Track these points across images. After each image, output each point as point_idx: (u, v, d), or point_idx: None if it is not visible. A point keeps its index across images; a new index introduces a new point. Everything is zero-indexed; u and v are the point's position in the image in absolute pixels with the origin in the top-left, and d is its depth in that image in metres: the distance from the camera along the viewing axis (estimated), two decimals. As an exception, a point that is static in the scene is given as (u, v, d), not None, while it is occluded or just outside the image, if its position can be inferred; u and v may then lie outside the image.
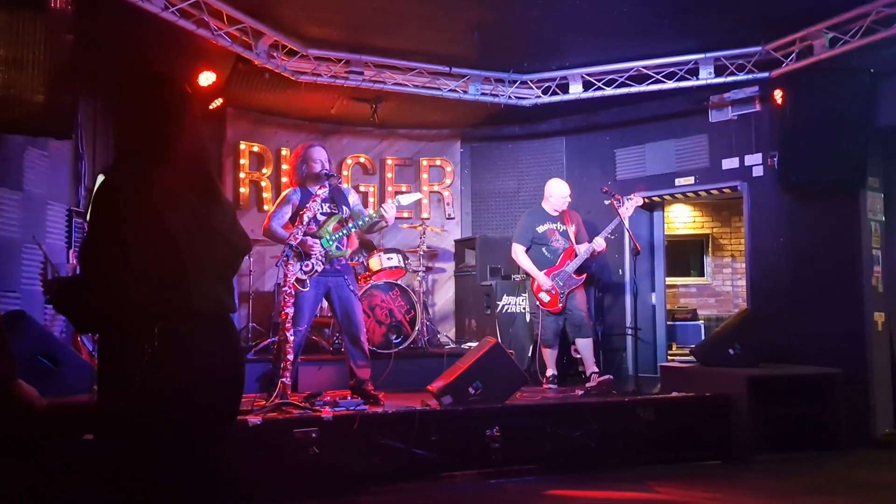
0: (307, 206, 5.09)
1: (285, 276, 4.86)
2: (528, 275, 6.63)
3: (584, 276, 6.51)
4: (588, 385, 6.16)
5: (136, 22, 5.15)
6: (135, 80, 2.15)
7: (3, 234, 4.72)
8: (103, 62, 5.38)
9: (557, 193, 6.59)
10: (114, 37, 5.38)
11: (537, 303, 6.46)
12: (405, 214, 8.28)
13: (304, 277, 5.00)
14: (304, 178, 5.35)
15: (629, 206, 6.48)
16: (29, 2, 4.23)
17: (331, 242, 5.19)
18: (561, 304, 6.38)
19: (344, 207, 5.38)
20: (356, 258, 7.39)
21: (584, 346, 6.45)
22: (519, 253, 6.59)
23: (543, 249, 6.52)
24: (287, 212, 5.28)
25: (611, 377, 6.20)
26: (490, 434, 4.77)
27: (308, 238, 5.08)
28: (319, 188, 5.15)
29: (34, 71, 4.17)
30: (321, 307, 5.62)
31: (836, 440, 5.52)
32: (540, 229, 6.57)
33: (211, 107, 6.81)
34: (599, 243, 6.41)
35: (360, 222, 5.31)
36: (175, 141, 2.08)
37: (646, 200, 6.85)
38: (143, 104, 2.10)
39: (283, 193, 5.50)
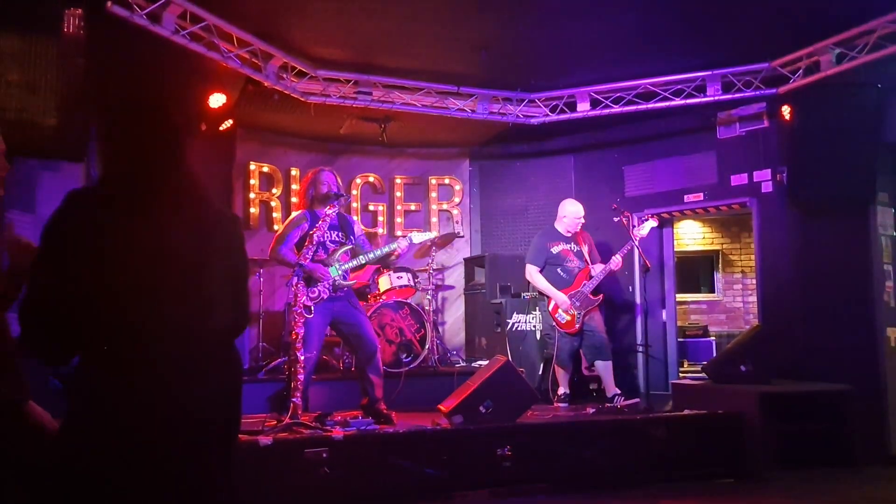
0: (317, 225, 5.12)
1: (295, 295, 4.88)
2: (542, 294, 6.62)
3: (601, 296, 6.50)
4: (621, 404, 6.10)
5: (147, 45, 5.21)
6: (124, 107, 2.08)
7: (16, 256, 4.75)
8: (115, 85, 5.44)
9: (572, 214, 6.58)
10: (125, 60, 5.43)
11: (553, 323, 6.45)
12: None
13: (309, 304, 5.01)
14: (312, 201, 5.38)
15: (645, 227, 6.49)
16: (42, 27, 4.30)
17: (339, 271, 5.21)
18: (578, 325, 6.36)
19: (351, 237, 5.41)
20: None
21: (604, 369, 6.42)
22: (533, 273, 6.58)
23: (558, 270, 6.51)
24: (295, 236, 5.30)
25: (638, 400, 6.16)
26: (501, 453, 4.75)
27: (319, 265, 5.11)
28: (329, 208, 5.18)
29: (47, 95, 4.23)
30: (328, 331, 5.63)
31: (850, 457, 5.46)
32: (554, 249, 6.56)
33: (221, 128, 6.87)
34: (616, 262, 6.40)
35: (372, 255, 5.34)
36: (161, 175, 2.00)
37: (654, 217, 6.84)
38: (129, 135, 2.03)
39: (292, 216, 5.52)
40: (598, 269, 6.43)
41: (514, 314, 7.21)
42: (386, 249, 5.39)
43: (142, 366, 1.87)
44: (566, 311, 6.37)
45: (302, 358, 4.77)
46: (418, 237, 5.70)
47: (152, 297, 1.89)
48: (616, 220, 6.46)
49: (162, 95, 2.34)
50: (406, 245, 5.43)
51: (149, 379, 1.87)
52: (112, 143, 2.06)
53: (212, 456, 1.96)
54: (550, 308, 6.46)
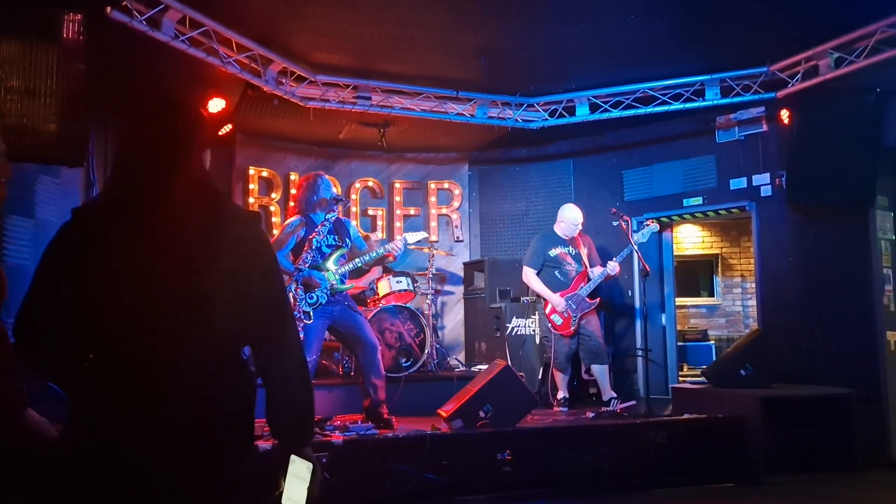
0: (315, 230, 5.11)
1: (294, 300, 4.88)
2: (539, 297, 6.63)
3: (598, 299, 6.51)
4: (619, 408, 6.10)
5: (147, 51, 5.21)
6: (149, 103, 2.02)
7: (16, 262, 4.76)
8: (115, 91, 5.45)
9: (569, 220, 6.60)
10: (125, 66, 5.44)
11: (549, 326, 6.45)
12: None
13: (308, 310, 5.01)
14: (309, 206, 5.37)
15: (645, 232, 6.50)
16: (42, 32, 4.31)
17: (336, 276, 5.20)
18: (573, 328, 6.37)
19: (347, 240, 5.41)
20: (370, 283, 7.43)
21: (601, 373, 6.43)
22: (530, 276, 6.59)
23: (556, 272, 6.52)
24: (291, 243, 5.29)
25: (634, 402, 6.18)
26: (501, 458, 4.74)
27: (314, 272, 5.10)
28: (328, 213, 5.18)
29: (47, 100, 4.24)
30: (327, 335, 5.62)
31: (852, 461, 5.44)
32: (552, 253, 6.57)
33: (220, 133, 6.87)
34: (613, 267, 6.41)
35: (368, 258, 5.34)
36: (180, 168, 1.95)
37: (654, 222, 6.84)
38: (154, 127, 1.97)
39: (287, 222, 5.48)
40: (596, 273, 6.43)
41: (514, 318, 7.21)
42: (381, 252, 5.39)
43: (137, 384, 1.81)
44: (561, 314, 6.38)
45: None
46: (412, 237, 5.71)
47: (152, 315, 1.82)
48: (615, 224, 6.47)
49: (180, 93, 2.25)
50: (401, 246, 5.43)
51: (143, 398, 1.80)
52: (128, 139, 2.01)
53: (215, 474, 1.90)
54: (547, 311, 6.47)
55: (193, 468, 1.85)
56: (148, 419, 1.80)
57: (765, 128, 6.84)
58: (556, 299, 6.39)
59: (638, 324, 7.62)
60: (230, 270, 1.89)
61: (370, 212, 8.62)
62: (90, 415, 1.82)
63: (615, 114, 7.03)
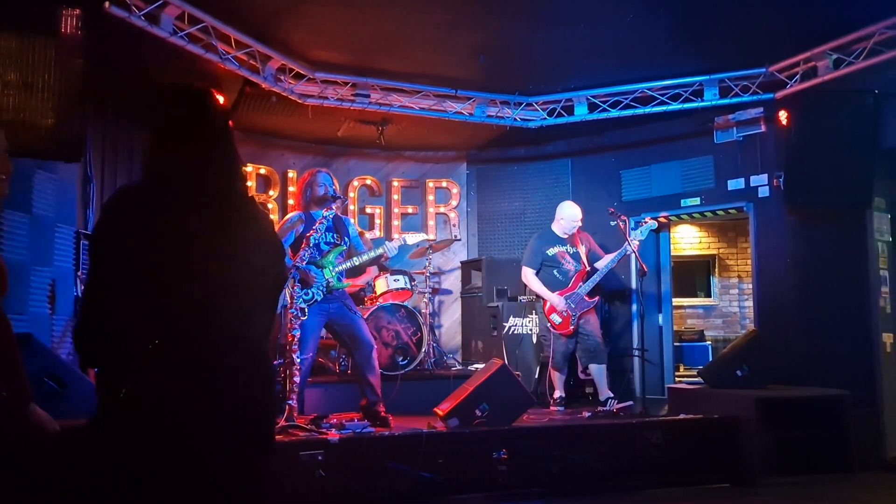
0: (313, 227, 5.12)
1: (291, 297, 4.88)
2: (538, 297, 6.63)
3: (597, 298, 6.50)
4: (615, 408, 6.10)
5: (145, 46, 5.21)
6: (171, 92, 2.04)
7: (12, 257, 4.74)
8: (112, 86, 5.44)
9: (569, 217, 6.59)
10: (123, 61, 5.43)
11: (548, 325, 6.45)
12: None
13: (303, 306, 5.01)
14: (309, 203, 5.38)
15: (643, 229, 6.49)
16: (40, 27, 4.30)
17: (332, 273, 5.20)
18: (572, 327, 6.36)
19: (346, 239, 5.41)
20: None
21: (598, 372, 6.43)
22: (529, 276, 6.58)
23: (554, 272, 6.52)
24: (290, 238, 5.29)
25: (631, 403, 6.19)
26: (497, 457, 4.73)
27: (311, 268, 5.10)
28: (325, 210, 5.18)
29: (44, 95, 4.23)
30: (324, 333, 5.62)
31: (847, 463, 5.44)
32: (550, 252, 6.56)
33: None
34: (607, 260, 6.40)
35: (366, 257, 5.36)
36: (220, 154, 1.99)
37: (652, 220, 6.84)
38: (176, 119, 1.99)
39: (287, 217, 5.51)
40: (607, 260, 6.41)
41: (511, 317, 7.21)
42: (379, 251, 5.40)
43: (186, 369, 1.83)
44: (560, 313, 6.37)
45: (297, 360, 4.77)
46: (412, 239, 5.72)
47: (202, 299, 1.86)
48: (613, 224, 6.46)
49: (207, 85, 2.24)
50: (395, 248, 5.44)
51: (192, 382, 1.83)
52: (160, 133, 2.00)
53: (252, 466, 1.92)
54: (546, 310, 6.47)
55: (260, 438, 1.92)
56: (217, 395, 1.84)
57: (763, 129, 6.84)
58: (555, 299, 6.39)
59: (635, 324, 7.63)
60: (266, 254, 1.99)
61: (368, 210, 8.62)
62: (152, 395, 1.81)
63: (613, 114, 7.03)
